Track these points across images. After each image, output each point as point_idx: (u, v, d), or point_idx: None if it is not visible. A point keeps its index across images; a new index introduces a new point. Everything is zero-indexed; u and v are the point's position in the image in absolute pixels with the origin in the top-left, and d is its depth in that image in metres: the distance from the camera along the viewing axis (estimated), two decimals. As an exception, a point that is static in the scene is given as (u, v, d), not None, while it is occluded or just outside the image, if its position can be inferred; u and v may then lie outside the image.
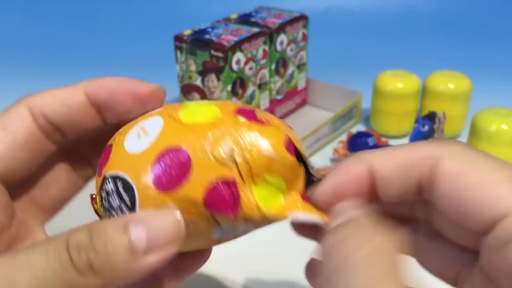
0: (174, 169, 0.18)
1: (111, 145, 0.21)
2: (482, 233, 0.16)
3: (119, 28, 1.02)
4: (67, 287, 0.15)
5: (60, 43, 0.96)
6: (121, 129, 0.22)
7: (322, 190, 0.19)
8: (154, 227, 0.16)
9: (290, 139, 0.20)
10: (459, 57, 0.86)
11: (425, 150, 0.17)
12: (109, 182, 0.19)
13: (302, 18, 0.61)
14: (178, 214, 0.17)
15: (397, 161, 0.18)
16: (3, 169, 0.20)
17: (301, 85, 0.66)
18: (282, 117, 0.64)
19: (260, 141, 0.19)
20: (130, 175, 0.19)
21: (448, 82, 0.56)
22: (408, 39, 0.96)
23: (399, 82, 0.57)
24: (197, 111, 0.21)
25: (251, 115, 0.21)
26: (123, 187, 0.19)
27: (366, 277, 0.14)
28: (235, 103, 0.22)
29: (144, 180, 0.18)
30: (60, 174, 0.24)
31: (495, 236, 0.15)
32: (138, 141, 0.20)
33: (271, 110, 0.62)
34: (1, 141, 0.19)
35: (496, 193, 0.15)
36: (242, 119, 0.20)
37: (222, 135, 0.19)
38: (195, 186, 0.18)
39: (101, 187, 0.20)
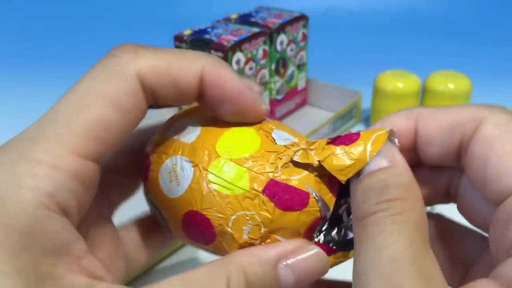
0: (200, 235, 0.19)
1: (149, 161, 0.21)
2: (496, 205, 0.16)
3: (119, 28, 1.02)
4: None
5: (60, 43, 0.96)
6: (159, 148, 0.21)
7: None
8: (301, 269, 0.17)
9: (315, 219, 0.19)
10: (459, 57, 0.86)
11: (471, 111, 0.17)
12: None
13: (302, 18, 0.61)
14: (322, 254, 0.17)
15: (442, 119, 0.18)
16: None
17: (301, 85, 0.66)
18: (282, 117, 0.64)
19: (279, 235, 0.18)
20: (168, 220, 0.20)
21: (448, 82, 0.56)
22: (408, 39, 0.96)
23: (399, 82, 0.57)
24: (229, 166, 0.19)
25: (278, 194, 0.18)
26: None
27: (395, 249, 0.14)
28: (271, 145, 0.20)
29: (177, 231, 0.20)
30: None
31: (501, 212, 0.15)
32: (170, 185, 0.20)
33: (271, 110, 0.62)
34: (116, 126, 0.16)
35: None
36: (268, 202, 0.18)
37: (244, 216, 0.18)
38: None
39: None
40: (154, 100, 0.18)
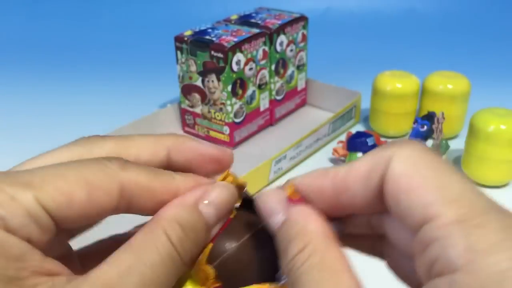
0: None
1: None
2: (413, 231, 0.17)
3: (120, 29, 1.02)
4: (174, 274, 0.18)
5: (61, 44, 0.97)
6: None
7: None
8: (220, 205, 0.20)
9: None
10: (457, 57, 0.86)
11: (382, 152, 0.18)
12: None
13: (301, 19, 0.62)
14: (228, 185, 0.21)
15: (359, 169, 0.18)
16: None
17: (300, 85, 0.66)
18: (282, 117, 0.65)
19: None
20: None
21: (447, 83, 0.56)
22: (407, 40, 0.96)
23: (398, 83, 0.57)
24: None
25: None
26: None
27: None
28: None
29: None
30: None
31: (417, 240, 0.16)
32: None
33: (271, 110, 0.62)
34: (77, 206, 0.18)
35: (424, 200, 0.16)
36: None
37: None
38: None
39: None
40: (126, 207, 0.19)
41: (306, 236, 0.18)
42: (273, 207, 0.20)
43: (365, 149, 0.49)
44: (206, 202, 0.20)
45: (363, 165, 0.18)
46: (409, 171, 0.17)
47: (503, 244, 0.14)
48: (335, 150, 0.55)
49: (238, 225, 0.21)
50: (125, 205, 0.19)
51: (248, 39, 0.54)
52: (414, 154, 0.17)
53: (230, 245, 0.20)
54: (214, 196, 0.20)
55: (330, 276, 0.17)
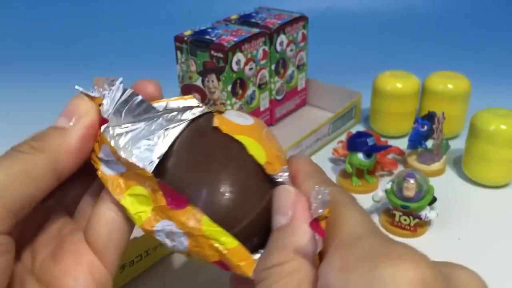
0: None
1: None
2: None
3: (119, 29, 1.02)
4: (23, 165, 0.20)
5: (61, 43, 0.97)
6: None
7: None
8: (68, 111, 0.24)
9: None
10: (458, 57, 0.86)
11: None
12: None
13: (302, 19, 0.61)
14: (86, 99, 0.24)
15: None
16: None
17: (300, 85, 0.66)
18: (282, 117, 0.65)
19: None
20: None
21: (447, 83, 0.56)
22: (408, 39, 0.96)
23: (398, 83, 0.57)
24: None
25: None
26: None
27: None
28: None
29: None
30: None
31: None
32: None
33: (271, 110, 0.62)
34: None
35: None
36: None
37: None
38: None
39: None
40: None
41: (296, 252, 0.18)
42: (286, 207, 0.20)
43: (365, 149, 0.49)
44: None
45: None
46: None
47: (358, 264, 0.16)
48: (335, 150, 0.55)
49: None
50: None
51: (248, 39, 0.54)
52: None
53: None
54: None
55: None
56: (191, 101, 0.25)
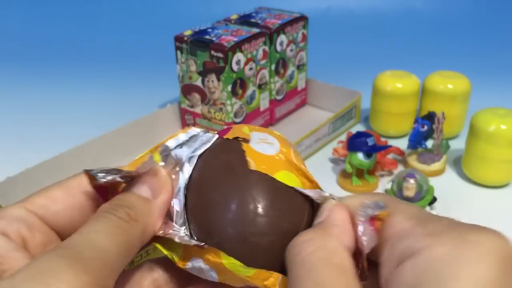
0: None
1: None
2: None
3: (120, 29, 1.02)
4: (125, 234, 0.20)
5: (61, 44, 0.97)
6: None
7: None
8: (150, 181, 0.22)
9: None
10: (458, 57, 0.86)
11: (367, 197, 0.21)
12: None
13: (302, 19, 0.61)
14: (165, 175, 0.23)
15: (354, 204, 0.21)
16: (60, 226, 0.22)
17: (301, 85, 0.66)
18: (282, 117, 0.65)
19: None
20: None
21: (447, 83, 0.56)
22: (408, 39, 0.96)
23: (398, 83, 0.57)
24: None
25: None
26: None
27: (319, 277, 0.17)
28: None
29: None
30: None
31: (387, 250, 0.19)
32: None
33: (271, 110, 0.62)
34: (62, 201, 0.22)
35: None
36: None
37: None
38: None
39: None
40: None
41: (327, 230, 0.20)
42: (323, 209, 0.21)
43: (365, 149, 0.49)
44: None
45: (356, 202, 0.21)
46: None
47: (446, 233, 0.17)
48: (335, 150, 0.55)
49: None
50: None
51: (248, 39, 0.54)
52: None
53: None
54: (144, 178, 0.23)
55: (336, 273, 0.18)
56: (192, 130, 0.24)
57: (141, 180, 0.22)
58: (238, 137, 0.23)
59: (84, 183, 0.23)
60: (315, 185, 0.22)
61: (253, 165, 0.21)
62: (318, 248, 0.18)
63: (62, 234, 0.22)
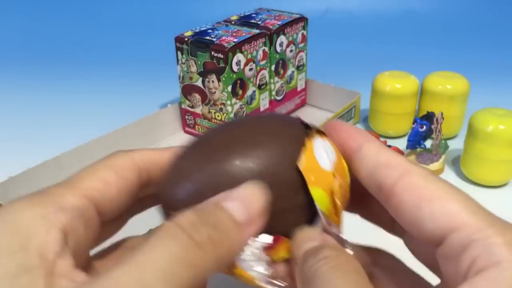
0: None
1: None
2: (433, 243, 0.18)
3: (120, 30, 1.02)
4: (193, 268, 0.15)
5: (62, 45, 0.97)
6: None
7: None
8: (248, 200, 0.18)
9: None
10: (456, 58, 0.86)
11: (393, 160, 0.20)
12: None
13: (301, 20, 0.62)
14: (264, 191, 0.19)
15: (371, 158, 0.20)
16: (109, 209, 0.20)
17: (300, 85, 0.66)
18: (282, 117, 0.65)
19: None
20: None
21: (446, 83, 0.56)
22: (406, 40, 0.97)
23: (397, 83, 0.57)
24: None
25: None
26: None
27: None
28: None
29: None
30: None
31: (448, 247, 0.17)
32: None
33: (271, 110, 0.62)
34: (114, 185, 0.20)
35: (449, 209, 0.17)
36: None
37: None
38: None
39: None
40: (147, 179, 0.22)
41: (342, 250, 0.19)
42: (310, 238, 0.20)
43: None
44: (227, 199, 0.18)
45: (374, 156, 0.20)
46: (429, 185, 0.18)
47: None
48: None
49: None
50: (146, 178, 0.21)
51: (248, 40, 0.54)
52: (429, 174, 0.19)
53: None
54: (237, 193, 0.18)
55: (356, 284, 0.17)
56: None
57: (234, 195, 0.18)
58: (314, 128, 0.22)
59: (131, 163, 0.20)
60: (335, 219, 0.21)
61: (302, 166, 0.20)
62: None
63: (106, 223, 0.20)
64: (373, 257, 0.23)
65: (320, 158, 0.20)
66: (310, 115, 0.66)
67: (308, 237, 0.19)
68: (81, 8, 1.07)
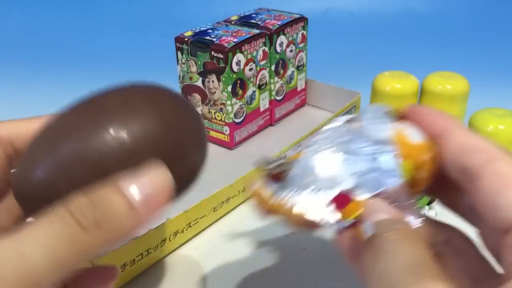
0: None
1: None
2: (503, 231, 0.18)
3: (120, 29, 1.02)
4: (76, 248, 0.16)
5: (62, 44, 0.97)
6: None
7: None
8: (145, 182, 0.18)
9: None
10: (456, 58, 0.86)
11: (483, 145, 0.20)
12: None
13: (301, 20, 0.62)
14: (165, 170, 0.18)
15: (460, 139, 0.21)
16: None
17: (300, 85, 0.66)
18: (282, 117, 0.65)
19: None
20: None
21: (446, 83, 0.56)
22: (406, 40, 0.97)
23: (397, 83, 0.57)
24: None
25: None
26: None
27: (398, 264, 0.17)
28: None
29: None
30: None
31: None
32: None
33: (271, 110, 0.62)
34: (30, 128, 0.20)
35: None
36: None
37: None
38: None
39: None
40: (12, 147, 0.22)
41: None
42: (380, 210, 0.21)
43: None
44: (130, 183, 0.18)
45: (463, 138, 0.22)
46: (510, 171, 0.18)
47: None
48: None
49: None
50: (12, 153, 0.21)
51: (248, 40, 0.54)
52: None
53: None
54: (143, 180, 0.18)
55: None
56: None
57: (133, 176, 0.18)
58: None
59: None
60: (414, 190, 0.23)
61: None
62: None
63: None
64: (447, 235, 0.23)
65: (409, 133, 0.23)
66: (310, 115, 0.66)
67: (380, 209, 0.20)
68: (81, 8, 1.07)
